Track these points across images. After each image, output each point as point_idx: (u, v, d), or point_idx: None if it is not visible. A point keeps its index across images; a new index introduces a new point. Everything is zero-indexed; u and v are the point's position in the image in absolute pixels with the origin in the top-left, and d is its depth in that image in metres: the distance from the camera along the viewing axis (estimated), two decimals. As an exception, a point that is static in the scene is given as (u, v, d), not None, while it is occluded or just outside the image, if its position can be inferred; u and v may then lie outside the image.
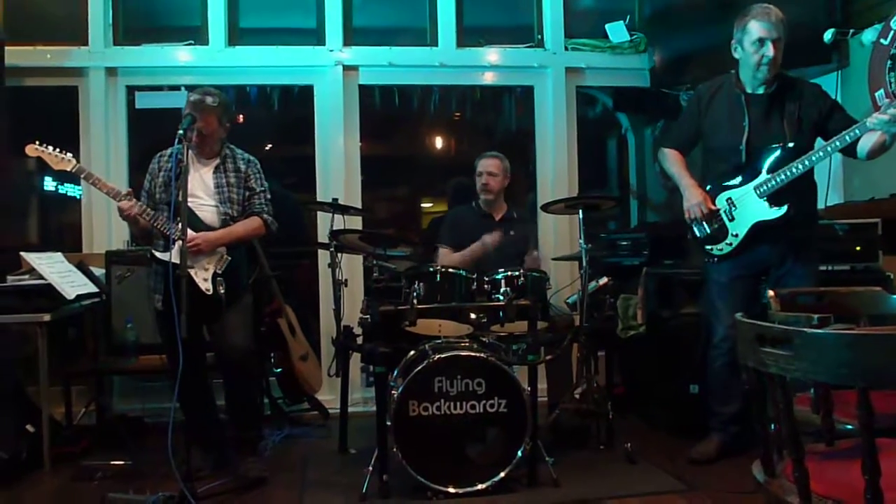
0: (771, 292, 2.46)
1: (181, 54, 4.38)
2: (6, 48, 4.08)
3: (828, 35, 3.93)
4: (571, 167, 4.67)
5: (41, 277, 3.40)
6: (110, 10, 4.33)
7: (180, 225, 2.97)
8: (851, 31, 3.99)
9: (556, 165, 4.64)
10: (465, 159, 4.81)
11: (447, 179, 5.16)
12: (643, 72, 4.60)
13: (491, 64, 4.61)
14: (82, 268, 3.69)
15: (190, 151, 3.22)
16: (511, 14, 4.91)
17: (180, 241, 3.02)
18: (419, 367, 2.93)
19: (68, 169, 3.06)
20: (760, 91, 3.05)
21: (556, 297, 3.96)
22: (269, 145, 5.72)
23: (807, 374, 1.42)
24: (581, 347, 3.45)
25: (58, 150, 3.06)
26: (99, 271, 3.90)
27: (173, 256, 2.96)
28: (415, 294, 3.09)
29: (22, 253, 3.44)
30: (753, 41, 2.96)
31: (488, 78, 4.71)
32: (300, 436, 3.88)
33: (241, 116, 4.96)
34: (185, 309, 2.81)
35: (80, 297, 3.50)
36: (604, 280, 3.76)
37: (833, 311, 2.67)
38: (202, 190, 3.25)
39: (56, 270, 3.49)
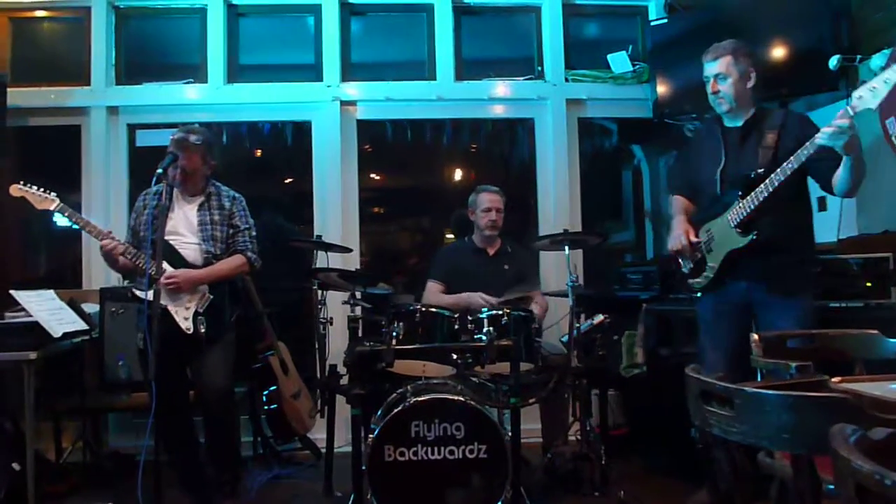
0: (755, 336, 2.33)
1: (181, 92, 4.42)
2: (12, 89, 4.19)
3: (833, 62, 3.80)
4: (573, 200, 4.57)
5: (32, 315, 3.42)
6: (113, 50, 4.41)
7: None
8: (859, 57, 3.85)
9: (558, 198, 4.55)
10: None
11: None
12: (646, 102, 4.50)
13: (490, 97, 4.56)
14: (73, 305, 3.70)
15: (175, 189, 3.24)
16: (511, 46, 4.86)
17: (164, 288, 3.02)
18: (395, 411, 2.85)
19: (51, 208, 3.08)
20: (738, 123, 3.00)
21: (551, 335, 3.84)
22: (269, 180, 5.73)
23: (747, 437, 1.30)
24: (572, 388, 3.33)
25: (41, 189, 3.09)
26: (94, 308, 3.90)
27: (151, 295, 2.93)
28: (394, 334, 3.01)
29: (11, 291, 3.45)
30: (705, 78, 2.99)
31: (487, 111, 4.65)
32: (288, 476, 3.81)
33: (257, 151, 5.00)
34: (160, 348, 2.80)
35: (67, 335, 3.49)
36: (599, 318, 3.65)
37: (825, 356, 2.53)
38: (186, 227, 3.25)
39: (46, 308, 3.48)
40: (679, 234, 3.00)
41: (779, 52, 4.13)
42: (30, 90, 4.30)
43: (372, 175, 5.39)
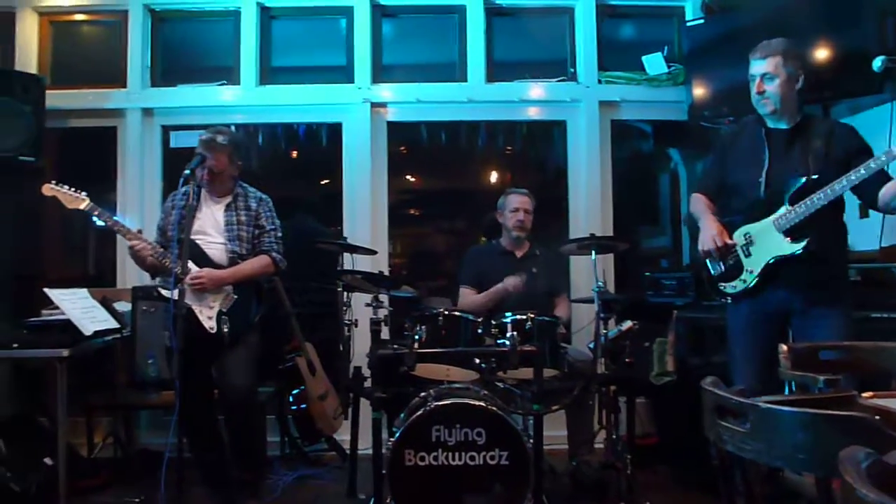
0: (784, 347, 2.24)
1: (214, 94, 4.47)
2: (53, 91, 4.29)
3: (877, 63, 3.63)
4: (605, 204, 4.49)
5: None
6: (148, 53, 4.49)
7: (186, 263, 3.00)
8: (905, 57, 3.70)
9: (590, 202, 4.48)
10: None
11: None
12: (681, 105, 4.39)
13: (521, 99, 4.51)
14: (105, 303, 3.77)
15: (203, 190, 3.28)
16: (543, 48, 4.80)
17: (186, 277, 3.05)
18: (416, 415, 2.83)
19: (81, 207, 3.13)
20: (783, 126, 2.89)
21: (579, 342, 3.78)
22: (302, 181, 5.77)
23: (761, 456, 1.24)
24: (598, 396, 3.27)
25: (72, 189, 3.15)
26: (126, 307, 3.97)
27: (176, 294, 2.97)
28: (416, 337, 2.99)
29: (46, 289, 3.53)
30: (750, 77, 2.89)
31: (519, 113, 4.61)
32: (313, 477, 3.81)
33: (292, 152, 5.03)
34: (185, 347, 2.84)
35: (99, 333, 3.55)
36: (627, 324, 3.56)
37: (860, 370, 2.44)
38: (213, 227, 3.28)
39: (78, 306, 3.56)
40: (714, 235, 2.89)
41: (821, 54, 3.99)
42: (69, 92, 4.40)
43: (407, 177, 5.39)
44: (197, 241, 3.21)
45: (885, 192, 2.63)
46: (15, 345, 3.41)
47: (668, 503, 3.23)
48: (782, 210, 2.75)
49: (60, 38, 4.57)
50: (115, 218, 3.22)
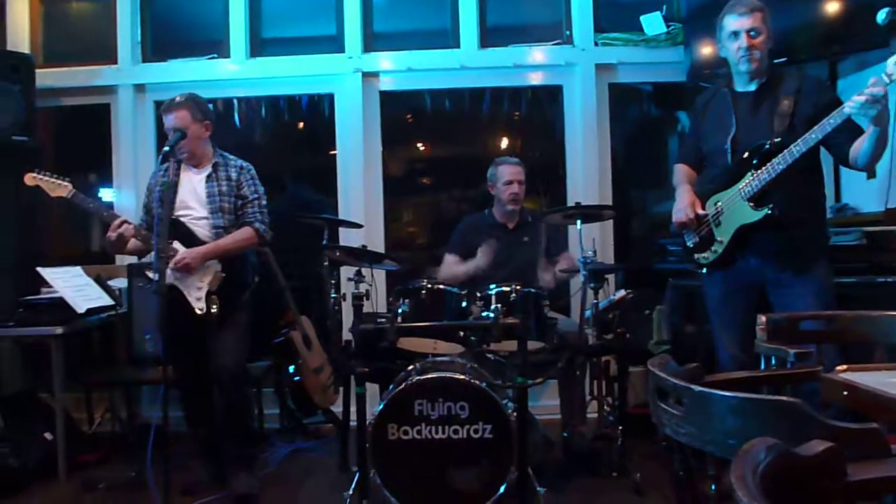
0: (762, 318, 2.18)
1: (205, 68, 4.43)
2: (44, 70, 4.29)
3: (881, 15, 3.46)
4: (603, 170, 4.40)
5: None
6: (138, 28, 4.45)
7: (170, 243, 3.00)
8: (912, 9, 3.53)
9: (587, 168, 4.38)
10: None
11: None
12: (681, 65, 4.26)
13: (515, 64, 4.40)
14: (100, 281, 3.80)
15: (182, 163, 3.24)
16: (538, 11, 4.66)
17: (171, 260, 3.05)
18: (398, 389, 2.82)
19: (64, 195, 3.09)
20: (751, 88, 2.80)
21: (573, 312, 3.72)
22: (302, 153, 5.73)
23: (693, 440, 1.20)
24: (587, 367, 3.23)
25: (55, 176, 3.10)
26: (123, 283, 4.01)
27: (158, 274, 2.96)
28: (399, 311, 2.96)
29: (39, 268, 3.56)
30: (728, 36, 2.77)
31: (513, 79, 4.50)
32: (309, 450, 3.86)
33: (298, 124, 4.98)
34: (176, 328, 2.89)
35: (92, 311, 3.59)
36: (620, 294, 3.51)
37: (845, 339, 2.37)
38: (195, 200, 3.22)
39: (71, 284, 3.59)
40: (685, 206, 2.83)
41: (829, 8, 3.83)
42: (61, 70, 4.39)
43: (417, 145, 5.32)
44: (181, 219, 3.18)
45: (854, 148, 2.54)
46: (11, 323, 3.48)
47: (659, 474, 3.19)
48: (748, 177, 2.68)
49: (51, 17, 4.55)
50: (101, 204, 3.19)
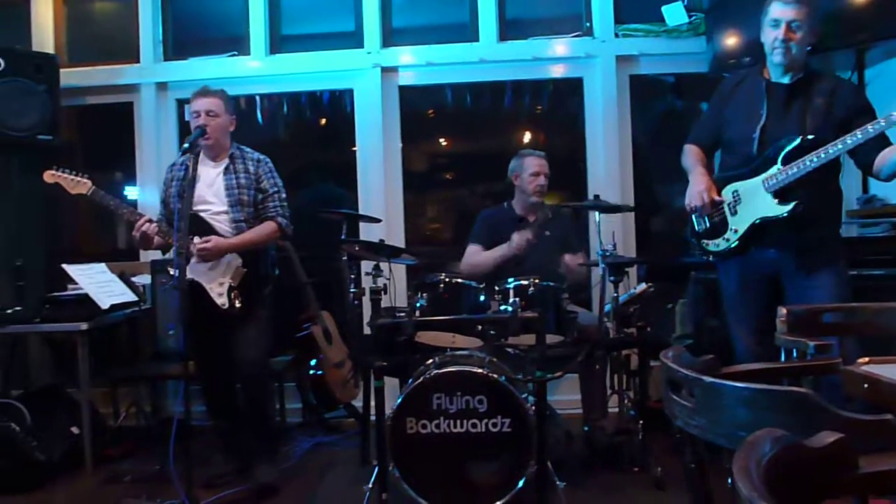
0: (783, 310, 2.14)
1: (225, 65, 4.47)
2: (70, 70, 4.36)
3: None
4: (624, 163, 4.35)
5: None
6: (160, 27, 4.50)
7: (191, 239, 3.02)
8: (942, -5, 3.44)
9: (608, 161, 4.34)
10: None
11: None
12: (702, 56, 4.19)
13: (534, 57, 4.37)
14: (123, 277, 3.85)
15: (200, 156, 3.25)
16: (557, 3, 4.63)
17: (194, 256, 3.08)
18: (416, 383, 2.82)
19: (84, 192, 3.12)
20: (785, 80, 2.74)
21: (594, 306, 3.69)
22: (327, 148, 5.75)
23: (705, 433, 1.18)
24: (608, 361, 3.20)
25: (74, 173, 3.12)
26: (147, 280, 4.06)
27: (178, 268, 2.99)
28: (417, 305, 2.96)
29: (64, 265, 3.62)
30: (769, 22, 2.70)
31: (532, 72, 4.47)
32: (330, 444, 3.88)
33: (321, 120, 5.00)
34: (199, 323, 2.92)
35: (116, 307, 3.64)
36: (641, 287, 3.48)
37: (868, 332, 2.32)
38: (213, 194, 3.24)
39: (95, 281, 3.65)
40: (701, 190, 2.78)
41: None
42: (84, 70, 4.46)
43: (440, 140, 5.33)
44: (200, 214, 3.21)
45: (881, 158, 2.50)
46: (37, 319, 3.55)
47: (680, 468, 3.14)
48: (774, 170, 2.63)
49: (74, 17, 4.62)
50: (120, 202, 3.20)
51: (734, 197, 2.76)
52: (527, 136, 5.50)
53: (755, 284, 2.77)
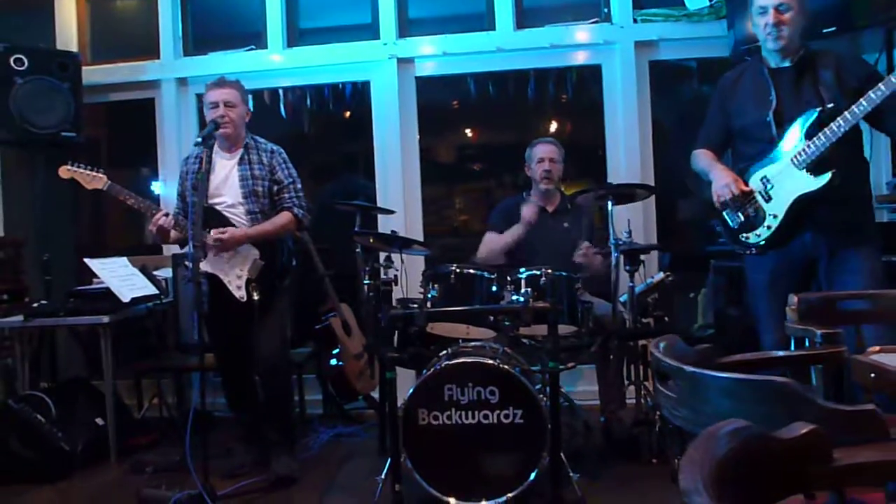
0: (794, 298, 2.08)
1: (244, 60, 4.50)
2: (92, 67, 4.45)
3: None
4: (645, 151, 4.27)
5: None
6: (179, 23, 4.55)
7: (206, 232, 3.05)
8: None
9: (628, 149, 4.27)
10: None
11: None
12: (724, 40, 4.09)
13: (551, 45, 4.31)
14: (145, 271, 3.92)
15: (215, 148, 3.27)
16: (576, -12, 4.57)
17: (211, 250, 3.11)
18: (427, 374, 2.82)
19: (100, 187, 3.15)
20: (786, 64, 2.69)
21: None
22: (355, 140, 5.77)
23: (688, 423, 1.16)
24: (623, 351, 3.16)
25: (90, 168, 3.15)
26: (169, 273, 4.12)
27: (202, 265, 3.03)
28: (429, 296, 2.96)
29: (86, 259, 3.69)
30: (757, 10, 2.66)
31: (550, 59, 4.41)
32: (349, 435, 3.89)
33: (345, 112, 5.01)
34: (219, 314, 3.02)
35: (137, 300, 3.71)
36: (659, 276, 3.43)
37: (889, 320, 2.25)
38: (228, 187, 3.25)
39: (117, 275, 3.72)
40: (728, 182, 2.69)
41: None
42: (107, 67, 4.54)
43: (466, 131, 5.32)
44: (216, 207, 3.23)
45: None
46: (61, 313, 3.63)
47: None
48: (799, 145, 2.55)
49: (98, 15, 4.70)
50: (138, 196, 3.23)
51: (763, 183, 2.68)
52: (553, 126, 5.46)
53: (788, 274, 2.68)
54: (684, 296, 4.25)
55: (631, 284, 3.19)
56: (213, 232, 3.11)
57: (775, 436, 0.85)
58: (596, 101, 4.64)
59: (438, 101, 4.90)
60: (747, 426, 0.82)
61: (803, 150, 2.54)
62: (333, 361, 3.98)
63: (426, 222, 4.56)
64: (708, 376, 1.09)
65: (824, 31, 3.66)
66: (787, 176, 2.60)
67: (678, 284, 4.16)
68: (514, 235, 3.55)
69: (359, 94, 4.78)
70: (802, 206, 2.59)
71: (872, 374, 1.55)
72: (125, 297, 3.60)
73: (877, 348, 1.75)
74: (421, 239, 4.31)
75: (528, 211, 3.48)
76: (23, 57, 3.99)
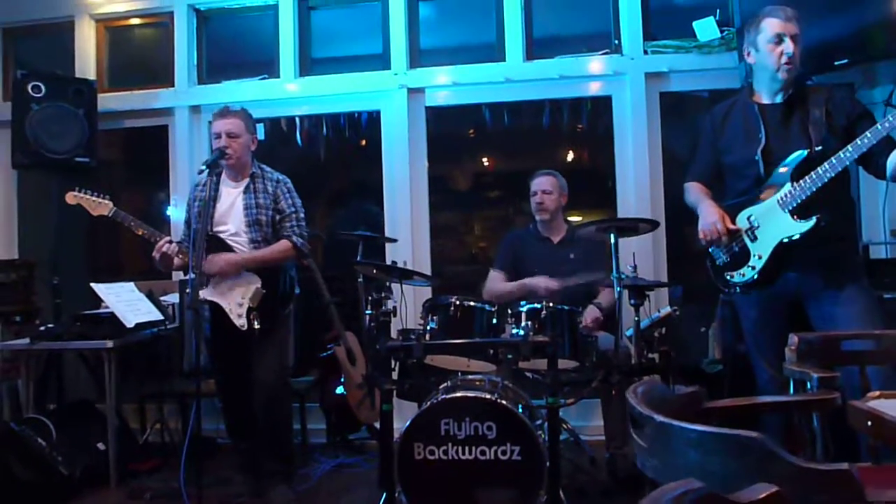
0: (794, 338, 2.03)
1: (257, 88, 4.55)
2: (107, 94, 4.53)
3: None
4: (655, 183, 4.22)
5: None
6: (194, 52, 4.62)
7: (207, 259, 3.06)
8: None
9: (637, 181, 4.23)
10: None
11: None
12: (735, 71, 4.05)
13: (561, 76, 4.30)
14: (151, 296, 3.93)
15: (221, 177, 3.31)
16: (585, 21, 4.57)
17: (213, 277, 3.12)
18: (423, 408, 2.77)
19: (105, 213, 3.20)
20: (778, 99, 2.66)
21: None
22: (366, 168, 5.79)
23: (658, 474, 1.11)
24: (620, 388, 3.09)
25: (96, 194, 3.20)
26: (176, 298, 4.14)
27: (204, 292, 3.04)
28: (428, 328, 2.93)
29: (92, 284, 3.72)
30: (770, 39, 2.60)
31: (559, 91, 4.40)
32: (351, 465, 3.85)
33: (361, 141, 5.04)
34: (220, 341, 3.07)
35: (142, 325, 3.72)
36: (665, 311, 3.36)
37: (891, 360, 2.18)
38: (233, 216, 3.28)
39: (122, 300, 3.73)
40: (715, 220, 2.66)
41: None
42: (122, 94, 4.62)
43: (482, 160, 5.34)
44: (219, 235, 3.25)
45: (893, 158, 2.37)
46: (66, 336, 3.65)
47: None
48: (786, 188, 2.52)
49: (115, 42, 4.79)
50: (143, 223, 3.25)
51: (749, 222, 2.64)
52: (570, 155, 5.44)
53: (777, 312, 2.65)
54: (696, 329, 4.17)
55: (636, 319, 3.13)
56: (210, 256, 3.12)
57: (732, 499, 0.81)
58: (611, 131, 4.63)
59: (455, 130, 4.91)
60: (699, 489, 0.78)
61: (789, 192, 2.51)
62: (339, 390, 3.96)
63: (444, 249, 4.56)
64: (676, 427, 1.04)
65: (836, 63, 3.63)
66: (772, 217, 2.56)
67: (691, 317, 4.10)
68: (518, 288, 3.52)
69: (374, 123, 4.80)
70: (784, 249, 2.54)
71: (869, 423, 1.49)
72: (129, 323, 3.61)
73: (877, 393, 1.68)
74: (428, 267, 4.30)
75: (545, 284, 3.44)
76: (40, 84, 4.09)
